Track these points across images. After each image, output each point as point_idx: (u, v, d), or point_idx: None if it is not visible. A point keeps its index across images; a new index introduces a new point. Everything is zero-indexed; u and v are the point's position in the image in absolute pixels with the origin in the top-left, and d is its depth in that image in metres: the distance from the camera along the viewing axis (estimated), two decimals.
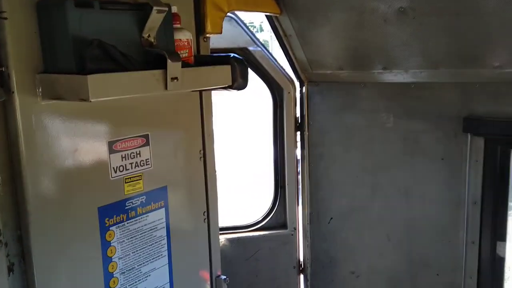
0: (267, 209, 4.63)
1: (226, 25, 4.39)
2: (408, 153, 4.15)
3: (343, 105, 4.21)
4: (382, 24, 3.47)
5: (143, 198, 2.96)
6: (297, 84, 4.39)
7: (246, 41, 4.33)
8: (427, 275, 4.21)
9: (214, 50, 4.05)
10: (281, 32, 4.14)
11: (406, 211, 4.24)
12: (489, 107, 3.52)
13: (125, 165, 2.83)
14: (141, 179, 2.92)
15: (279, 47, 4.43)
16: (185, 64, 2.78)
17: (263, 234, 4.50)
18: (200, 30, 3.12)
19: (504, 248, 3.74)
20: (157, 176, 3.02)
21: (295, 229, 4.57)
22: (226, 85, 2.99)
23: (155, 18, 2.38)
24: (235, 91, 3.07)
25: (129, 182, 2.87)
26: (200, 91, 3.19)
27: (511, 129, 3.42)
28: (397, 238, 4.30)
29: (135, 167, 2.88)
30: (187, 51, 2.90)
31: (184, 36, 2.89)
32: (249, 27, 4.56)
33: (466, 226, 3.96)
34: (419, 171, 3.95)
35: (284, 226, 4.59)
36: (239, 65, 2.97)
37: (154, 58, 2.42)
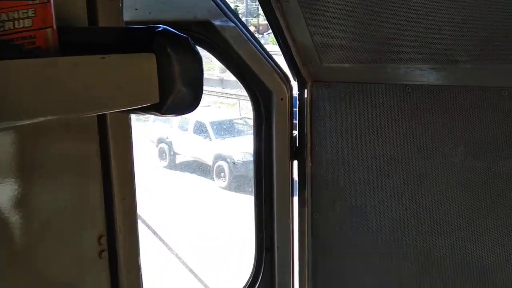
0: (244, 285, 3.13)
1: None
2: (490, 208, 2.47)
3: (371, 121, 2.74)
4: None
5: None
6: (294, 85, 2.93)
7: (209, 10, 2.53)
8: None
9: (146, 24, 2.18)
10: None
11: None
12: None
13: None
14: None
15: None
16: (16, 50, 0.95)
17: None
18: None
19: None
20: None
21: None
22: (146, 104, 1.17)
23: None
24: (169, 115, 1.25)
25: None
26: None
27: None
28: None
29: None
30: (30, 12, 1.06)
31: None
32: None
33: None
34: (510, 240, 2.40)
35: None
36: (176, 52, 1.17)
37: None
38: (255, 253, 3.04)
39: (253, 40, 2.68)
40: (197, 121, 18.95)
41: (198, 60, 1.32)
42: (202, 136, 18.82)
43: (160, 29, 1.26)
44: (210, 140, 18.49)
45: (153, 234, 10.65)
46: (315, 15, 2.48)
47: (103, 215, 1.63)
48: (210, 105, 20.53)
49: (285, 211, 2.99)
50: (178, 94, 1.28)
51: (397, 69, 2.56)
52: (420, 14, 2.30)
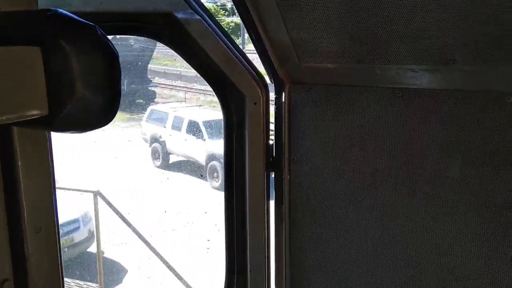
0: None
1: None
2: (491, 231, 2.11)
3: (356, 128, 2.43)
4: None
5: None
6: (271, 87, 2.59)
7: (171, 1, 2.20)
8: None
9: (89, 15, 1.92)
10: None
11: None
12: None
13: None
14: None
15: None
16: None
17: None
18: None
19: None
20: None
21: None
22: (28, 117, 0.80)
23: None
24: (67, 131, 0.89)
25: None
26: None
27: None
28: None
29: None
30: None
31: None
32: None
33: None
34: None
35: None
36: (75, 45, 0.78)
37: None
38: (225, 277, 2.69)
39: (222, 36, 2.34)
40: (190, 120, 18.66)
41: (110, 55, 0.98)
42: (195, 136, 18.53)
43: (52, 13, 0.92)
44: (204, 140, 18.19)
45: (140, 239, 10.33)
46: (292, 7, 2.14)
47: (8, 253, 1.29)
48: (202, 105, 20.23)
49: (259, 229, 2.64)
50: (79, 103, 0.94)
51: (386, 70, 2.23)
52: (413, 7, 1.97)
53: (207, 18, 2.30)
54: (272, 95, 2.58)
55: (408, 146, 2.27)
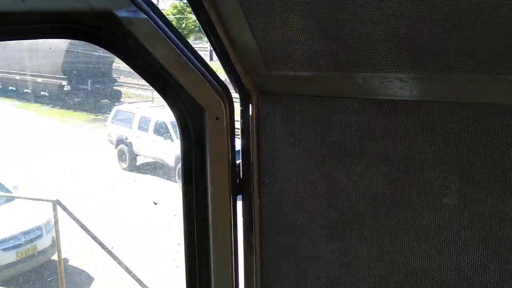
0: None
1: None
2: (496, 267, 1.79)
3: (336, 146, 2.11)
4: None
5: None
6: (236, 99, 2.23)
7: None
8: None
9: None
10: None
11: None
12: None
13: None
14: None
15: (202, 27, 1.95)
16: None
17: None
18: None
19: None
20: None
21: None
22: None
23: None
24: None
25: None
26: None
27: None
28: None
29: None
30: None
31: None
32: None
33: None
34: None
35: None
36: None
37: None
38: None
39: (175, 39, 1.94)
40: (157, 121, 18.18)
41: None
42: (163, 136, 18.07)
43: None
44: (172, 140, 17.75)
45: (102, 248, 9.85)
46: (257, 7, 1.78)
47: None
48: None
49: (226, 262, 2.27)
50: None
51: (370, 79, 1.89)
52: (401, 6, 1.64)
53: (155, 17, 1.91)
54: (237, 108, 2.21)
55: (396, 166, 1.94)
